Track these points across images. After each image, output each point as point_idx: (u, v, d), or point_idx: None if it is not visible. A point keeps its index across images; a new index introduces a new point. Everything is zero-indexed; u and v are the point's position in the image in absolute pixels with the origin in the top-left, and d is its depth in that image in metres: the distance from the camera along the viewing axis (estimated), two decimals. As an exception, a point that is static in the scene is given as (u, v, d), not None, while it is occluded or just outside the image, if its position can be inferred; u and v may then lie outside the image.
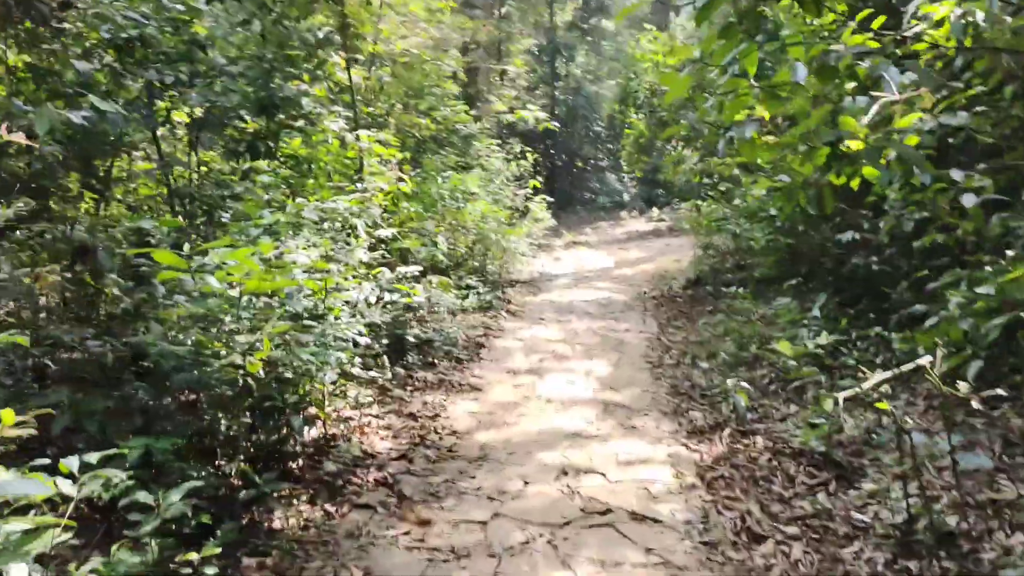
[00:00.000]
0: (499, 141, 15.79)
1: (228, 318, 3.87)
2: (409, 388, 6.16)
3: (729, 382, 5.39)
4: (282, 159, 7.49)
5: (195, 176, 6.94)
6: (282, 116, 6.79)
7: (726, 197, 10.62)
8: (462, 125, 15.17)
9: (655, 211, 22.90)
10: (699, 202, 11.53)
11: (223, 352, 3.71)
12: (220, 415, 3.98)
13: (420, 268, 7.23)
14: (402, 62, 10.60)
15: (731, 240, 11.06)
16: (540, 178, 15.96)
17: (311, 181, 7.87)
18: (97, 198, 6.12)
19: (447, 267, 9.53)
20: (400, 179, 8.45)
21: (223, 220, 6.14)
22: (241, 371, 3.68)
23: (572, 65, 27.42)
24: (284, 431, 4.30)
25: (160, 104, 5.97)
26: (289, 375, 4.09)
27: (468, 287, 9.39)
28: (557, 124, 15.58)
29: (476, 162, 14.74)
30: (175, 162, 6.45)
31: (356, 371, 4.91)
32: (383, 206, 8.00)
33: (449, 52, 12.15)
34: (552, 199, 21.48)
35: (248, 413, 4.02)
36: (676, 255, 15.20)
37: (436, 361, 6.87)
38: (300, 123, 6.65)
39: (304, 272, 4.48)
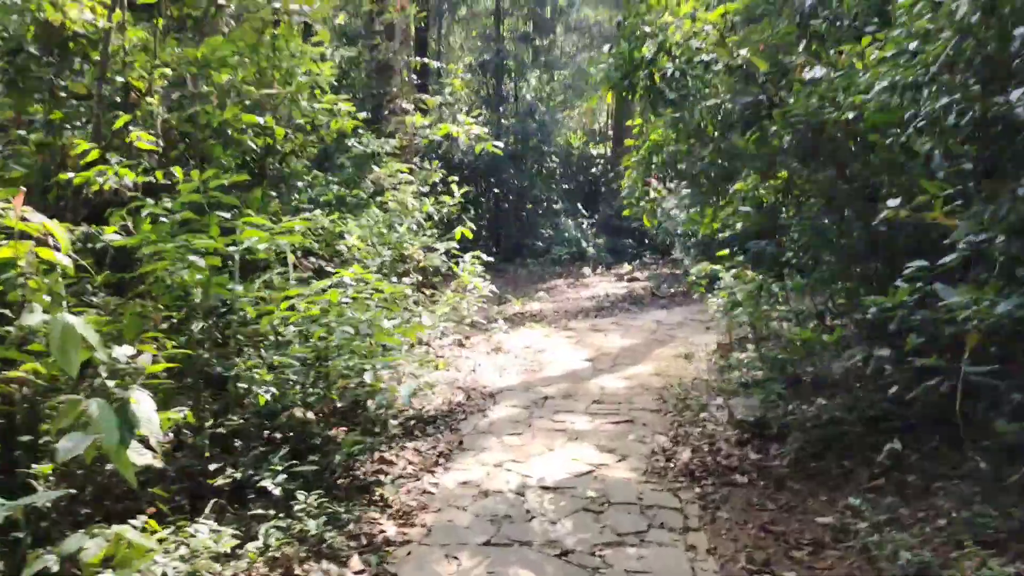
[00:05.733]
0: (413, 167, 10.53)
1: None
2: None
3: None
4: None
5: None
6: None
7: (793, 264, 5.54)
8: (354, 140, 9.85)
9: (626, 266, 17.89)
10: (746, 271, 6.38)
11: None
12: None
13: None
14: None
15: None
16: (475, 224, 10.76)
17: None
18: None
19: (232, 432, 4.07)
20: (38, 239, 3.03)
21: None
22: None
23: (523, 85, 22.45)
24: None
25: None
26: None
27: (283, 489, 3.91)
28: (500, 146, 10.41)
29: (371, 199, 9.39)
30: None
31: None
32: None
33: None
34: (496, 251, 16.25)
35: None
36: (679, 343, 9.99)
37: None
38: None
39: None
